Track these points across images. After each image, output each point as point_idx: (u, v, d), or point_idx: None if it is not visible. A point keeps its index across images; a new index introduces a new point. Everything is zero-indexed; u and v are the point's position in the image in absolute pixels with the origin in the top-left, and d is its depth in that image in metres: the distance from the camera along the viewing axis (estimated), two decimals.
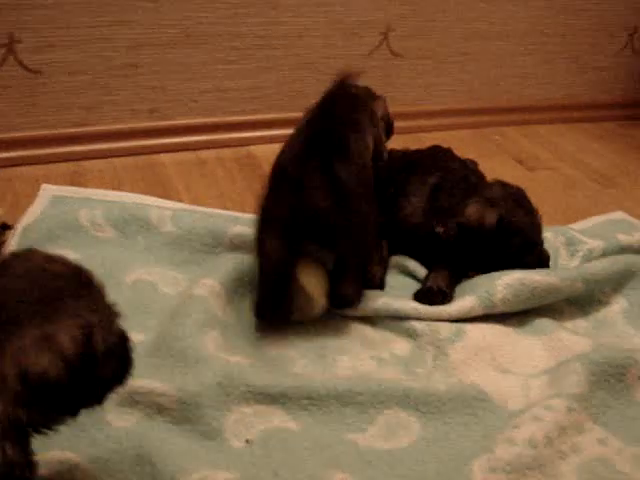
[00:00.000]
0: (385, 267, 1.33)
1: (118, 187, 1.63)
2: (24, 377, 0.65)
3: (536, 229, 1.31)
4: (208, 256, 1.31)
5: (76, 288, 0.72)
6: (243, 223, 1.35)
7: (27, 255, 0.74)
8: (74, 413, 0.72)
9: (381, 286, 1.29)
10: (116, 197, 1.50)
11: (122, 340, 0.78)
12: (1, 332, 0.66)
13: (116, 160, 1.77)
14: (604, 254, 1.41)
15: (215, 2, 1.77)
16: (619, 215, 1.71)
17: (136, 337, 1.10)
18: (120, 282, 1.24)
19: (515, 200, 1.29)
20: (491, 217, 1.25)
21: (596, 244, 1.43)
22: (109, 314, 0.76)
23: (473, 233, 1.26)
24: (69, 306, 0.69)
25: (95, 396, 0.75)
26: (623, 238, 1.46)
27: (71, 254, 1.27)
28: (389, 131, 1.52)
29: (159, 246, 1.34)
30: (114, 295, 1.16)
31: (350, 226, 1.12)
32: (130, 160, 1.78)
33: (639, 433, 1.04)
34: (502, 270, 1.25)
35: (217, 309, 1.16)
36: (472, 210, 1.27)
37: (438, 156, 1.57)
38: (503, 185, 1.33)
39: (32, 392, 0.65)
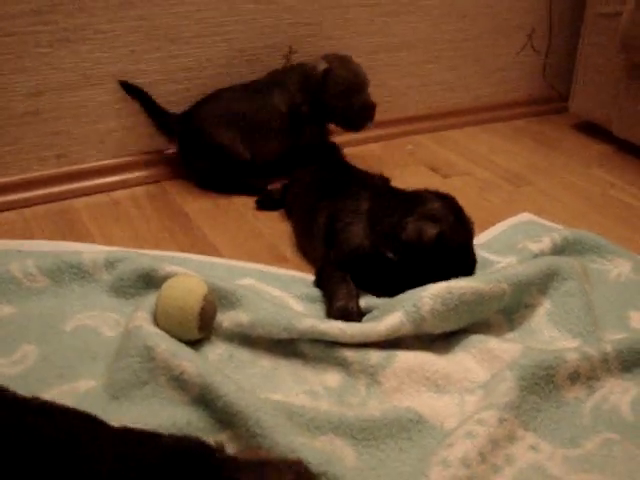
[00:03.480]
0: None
1: (31, 238, 1.58)
2: None
3: (472, 244, 1.32)
4: (142, 298, 1.29)
5: None
6: (172, 263, 1.36)
7: None
8: None
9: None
10: (44, 246, 1.49)
11: None
12: None
13: (26, 210, 1.72)
14: None
15: (112, 41, 1.74)
16: (526, 217, 1.73)
17: (87, 384, 1.10)
18: (60, 331, 1.22)
19: (455, 215, 1.29)
20: (431, 232, 1.26)
21: (509, 260, 1.44)
22: None
23: (414, 250, 1.27)
24: None
25: None
26: (534, 247, 1.46)
27: (6, 308, 1.27)
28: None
29: (96, 293, 1.33)
30: (56, 344, 1.15)
31: None
32: (41, 209, 1.74)
33: (567, 434, 1.05)
34: None
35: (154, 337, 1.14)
36: (412, 227, 1.28)
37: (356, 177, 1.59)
38: (438, 197, 1.33)
39: None
